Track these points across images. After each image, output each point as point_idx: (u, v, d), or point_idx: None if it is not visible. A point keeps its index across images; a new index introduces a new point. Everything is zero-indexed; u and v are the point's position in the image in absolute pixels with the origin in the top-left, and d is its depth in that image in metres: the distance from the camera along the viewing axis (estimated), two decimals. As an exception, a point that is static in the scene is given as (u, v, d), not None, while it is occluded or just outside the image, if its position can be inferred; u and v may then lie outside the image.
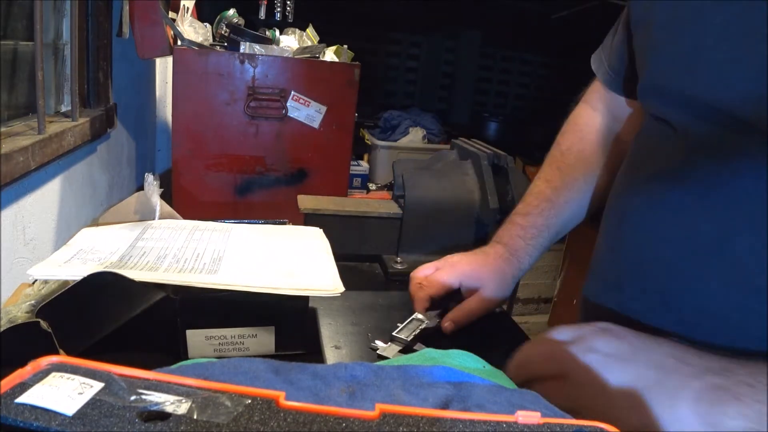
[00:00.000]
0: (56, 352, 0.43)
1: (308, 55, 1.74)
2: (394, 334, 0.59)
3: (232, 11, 1.83)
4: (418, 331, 0.60)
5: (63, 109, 1.29)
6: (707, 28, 0.44)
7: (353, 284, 0.57)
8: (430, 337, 0.63)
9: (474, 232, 0.90)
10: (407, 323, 0.62)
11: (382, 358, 0.57)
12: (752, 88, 0.40)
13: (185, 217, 0.70)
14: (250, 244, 0.63)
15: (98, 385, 0.28)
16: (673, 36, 0.48)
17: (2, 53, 0.98)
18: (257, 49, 1.66)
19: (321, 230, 0.70)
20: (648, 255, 0.47)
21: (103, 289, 0.48)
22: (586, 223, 0.72)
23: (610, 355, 0.38)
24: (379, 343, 0.59)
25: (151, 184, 0.65)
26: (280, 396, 0.30)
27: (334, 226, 0.75)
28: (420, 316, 0.63)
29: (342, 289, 0.53)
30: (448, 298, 0.67)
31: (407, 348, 0.58)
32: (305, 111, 1.70)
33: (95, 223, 0.65)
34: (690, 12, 0.46)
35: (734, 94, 0.42)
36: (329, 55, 1.81)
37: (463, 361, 0.49)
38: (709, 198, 0.43)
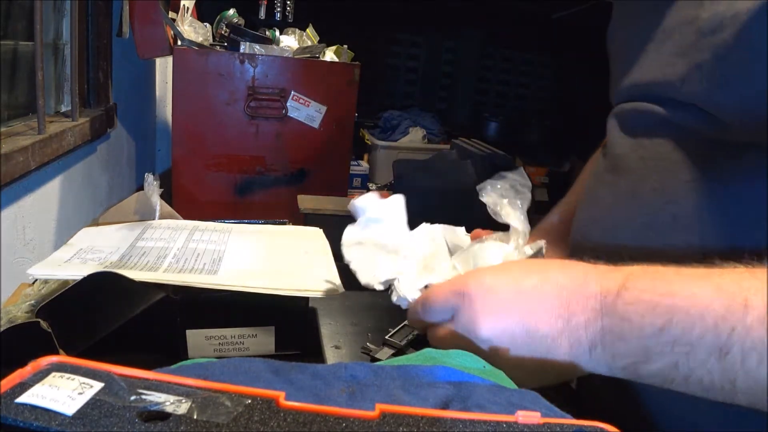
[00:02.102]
0: (56, 352, 0.43)
1: (308, 55, 1.74)
2: (387, 338, 0.59)
3: (232, 11, 1.83)
4: (411, 336, 0.60)
5: (63, 109, 1.29)
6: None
7: (353, 284, 0.57)
8: (426, 340, 0.63)
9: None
10: (400, 328, 0.62)
11: (375, 360, 0.57)
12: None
13: (185, 217, 0.70)
14: (250, 244, 0.63)
15: (98, 385, 0.28)
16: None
17: (2, 53, 0.98)
18: (257, 49, 1.66)
19: (321, 230, 0.70)
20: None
21: (103, 289, 0.48)
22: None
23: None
24: (372, 346, 0.59)
25: (151, 184, 0.65)
26: (280, 396, 0.30)
27: (334, 226, 0.75)
28: None
29: (342, 289, 0.53)
30: None
31: (400, 353, 0.58)
32: (305, 111, 1.70)
33: (95, 223, 0.65)
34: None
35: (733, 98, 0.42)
36: (329, 55, 1.81)
37: (463, 361, 0.49)
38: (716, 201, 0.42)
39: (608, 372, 0.37)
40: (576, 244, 0.54)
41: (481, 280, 0.40)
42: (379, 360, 0.56)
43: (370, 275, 0.50)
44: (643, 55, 0.47)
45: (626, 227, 0.46)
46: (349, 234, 0.52)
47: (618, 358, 0.35)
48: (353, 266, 0.50)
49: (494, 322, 0.39)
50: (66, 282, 0.49)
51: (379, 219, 0.53)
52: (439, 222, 0.68)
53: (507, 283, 0.39)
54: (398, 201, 0.54)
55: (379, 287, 0.51)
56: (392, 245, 0.53)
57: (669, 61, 0.44)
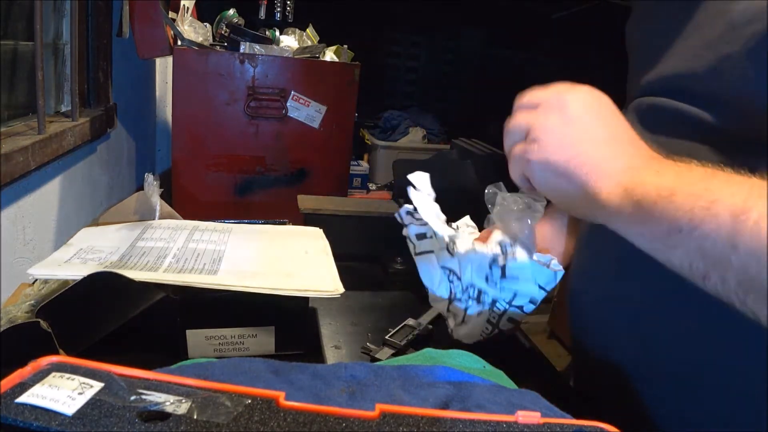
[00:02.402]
0: (56, 352, 0.43)
1: (308, 55, 1.74)
2: (387, 338, 0.59)
3: (232, 11, 1.83)
4: (411, 336, 0.60)
5: (63, 109, 1.29)
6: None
7: (353, 284, 0.57)
8: (428, 339, 0.63)
9: (474, 232, 0.90)
10: (399, 328, 0.62)
11: (375, 360, 0.57)
12: None
13: (185, 217, 0.70)
14: (250, 245, 0.63)
15: (98, 385, 0.28)
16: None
17: (2, 53, 0.98)
18: (257, 49, 1.66)
19: (321, 230, 0.70)
20: None
21: (103, 289, 0.48)
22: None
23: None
24: (372, 346, 0.59)
25: (151, 184, 0.65)
26: (280, 396, 0.30)
27: (334, 226, 0.75)
28: (412, 322, 0.63)
29: (342, 289, 0.53)
30: None
31: (400, 353, 0.58)
32: (305, 111, 1.70)
33: (95, 223, 0.65)
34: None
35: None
36: (329, 55, 1.81)
37: (463, 361, 0.49)
38: None
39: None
40: (581, 247, 0.55)
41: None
42: (379, 360, 0.56)
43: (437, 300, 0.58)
44: (669, 50, 0.47)
45: None
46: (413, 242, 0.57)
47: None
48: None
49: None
50: (66, 282, 0.49)
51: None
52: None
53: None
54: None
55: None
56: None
57: (696, 54, 0.44)
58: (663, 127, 0.47)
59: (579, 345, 0.59)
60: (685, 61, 0.45)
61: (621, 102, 0.57)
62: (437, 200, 0.56)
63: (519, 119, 0.44)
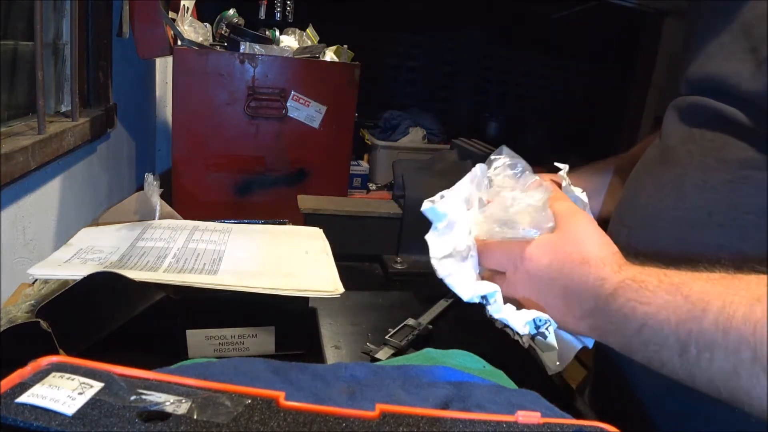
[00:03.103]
0: (56, 352, 0.43)
1: (308, 55, 1.74)
2: (387, 338, 0.59)
3: (232, 11, 1.83)
4: (411, 336, 0.60)
5: (63, 109, 1.29)
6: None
7: (353, 284, 0.57)
8: (428, 339, 0.63)
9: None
10: (399, 328, 0.62)
11: (375, 360, 0.57)
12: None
13: (185, 217, 0.70)
14: (249, 245, 0.63)
15: (98, 385, 0.28)
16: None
17: (2, 53, 0.98)
18: (257, 49, 1.66)
19: (321, 230, 0.70)
20: None
21: (103, 289, 0.48)
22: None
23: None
24: (372, 346, 0.59)
25: (151, 184, 0.65)
26: (280, 396, 0.30)
27: (334, 226, 0.75)
28: (412, 322, 0.63)
29: (342, 289, 0.52)
30: None
31: (400, 353, 0.58)
32: (305, 111, 1.70)
33: (95, 223, 0.65)
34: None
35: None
36: (329, 55, 1.81)
37: (463, 361, 0.49)
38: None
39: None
40: (615, 222, 0.54)
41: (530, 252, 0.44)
42: (379, 360, 0.56)
43: (470, 290, 0.47)
44: (714, 48, 0.47)
45: (664, 218, 0.47)
46: (434, 245, 0.49)
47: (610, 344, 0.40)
48: (448, 281, 0.47)
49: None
50: (66, 282, 0.49)
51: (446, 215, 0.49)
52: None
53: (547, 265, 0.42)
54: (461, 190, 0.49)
55: (480, 300, 0.48)
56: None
57: (740, 57, 0.43)
58: (698, 125, 0.47)
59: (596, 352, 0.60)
60: (729, 63, 0.45)
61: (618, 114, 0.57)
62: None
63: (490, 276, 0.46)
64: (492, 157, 0.48)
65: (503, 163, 0.47)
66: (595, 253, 0.40)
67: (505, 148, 0.48)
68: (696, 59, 0.49)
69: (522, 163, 0.47)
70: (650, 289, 0.36)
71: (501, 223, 0.45)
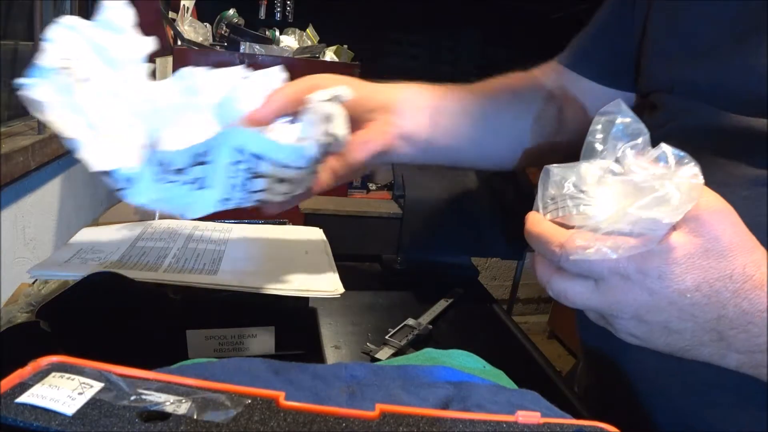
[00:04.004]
0: (56, 352, 0.43)
1: (308, 55, 1.74)
2: (387, 338, 0.59)
3: (232, 11, 1.83)
4: (411, 336, 0.60)
5: (63, 109, 1.29)
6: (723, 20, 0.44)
7: (353, 284, 0.57)
8: (428, 339, 0.63)
9: (474, 232, 0.90)
10: (399, 328, 0.62)
11: (375, 360, 0.57)
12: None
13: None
14: (249, 245, 0.63)
15: (98, 385, 0.28)
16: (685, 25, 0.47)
17: (2, 53, 0.98)
18: (257, 49, 1.66)
19: (321, 230, 0.70)
20: None
21: (103, 289, 0.48)
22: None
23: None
24: (372, 346, 0.59)
25: (151, 184, 0.65)
26: (280, 396, 0.30)
27: (334, 226, 0.75)
28: (412, 322, 0.63)
29: (342, 290, 0.53)
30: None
31: (400, 353, 0.58)
32: (305, 111, 1.70)
33: (95, 223, 0.65)
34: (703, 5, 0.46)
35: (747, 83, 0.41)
36: (329, 55, 1.81)
37: (463, 361, 0.49)
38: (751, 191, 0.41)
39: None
40: None
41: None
42: (379, 360, 0.56)
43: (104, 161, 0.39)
44: (725, 50, 0.44)
45: None
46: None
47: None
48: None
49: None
50: (66, 282, 0.49)
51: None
52: (439, 222, 0.66)
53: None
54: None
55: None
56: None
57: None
58: (713, 136, 0.45)
59: (586, 346, 0.59)
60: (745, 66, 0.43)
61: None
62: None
63: (567, 289, 0.34)
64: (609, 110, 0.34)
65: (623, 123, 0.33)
66: (763, 271, 0.31)
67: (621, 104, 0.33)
68: (690, 61, 0.47)
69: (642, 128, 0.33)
70: None
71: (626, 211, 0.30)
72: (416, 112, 0.56)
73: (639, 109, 0.56)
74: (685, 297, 0.31)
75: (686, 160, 0.30)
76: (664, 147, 0.31)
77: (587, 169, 0.33)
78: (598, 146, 0.33)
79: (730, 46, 0.44)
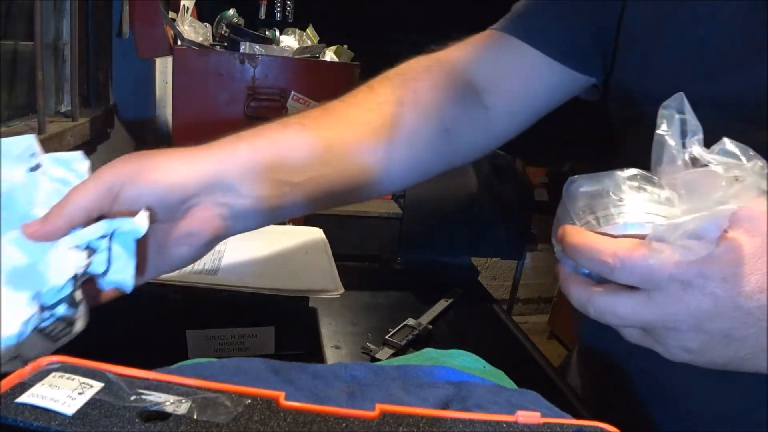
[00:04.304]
0: (56, 352, 0.43)
1: (308, 55, 1.74)
2: (387, 338, 0.59)
3: (232, 11, 1.83)
4: (411, 336, 0.60)
5: (63, 109, 1.29)
6: (708, 25, 0.44)
7: (353, 284, 0.57)
8: (428, 339, 0.63)
9: (474, 232, 0.90)
10: (399, 328, 0.62)
11: (375, 360, 0.57)
12: (759, 82, 0.40)
13: (185, 217, 0.70)
14: (249, 245, 0.63)
15: (98, 385, 0.28)
16: (671, 35, 0.47)
17: (2, 53, 0.98)
18: (257, 49, 1.66)
19: (321, 230, 0.70)
20: None
21: (103, 289, 0.48)
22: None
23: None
24: (372, 346, 0.59)
25: (151, 184, 0.65)
26: (280, 396, 0.30)
27: (334, 226, 0.75)
28: (412, 322, 0.63)
29: (342, 289, 0.53)
30: None
31: (400, 353, 0.58)
32: (305, 111, 1.70)
33: (95, 223, 0.65)
34: (686, 10, 0.45)
35: (740, 89, 0.41)
36: (329, 55, 1.81)
37: (463, 361, 0.49)
38: None
39: None
40: None
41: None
42: (379, 360, 0.56)
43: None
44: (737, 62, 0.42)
45: None
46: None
47: None
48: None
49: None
50: (66, 282, 0.49)
51: None
52: (439, 222, 0.66)
53: None
54: None
55: None
56: None
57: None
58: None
59: (586, 346, 0.59)
60: (676, 68, 0.43)
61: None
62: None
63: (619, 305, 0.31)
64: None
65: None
66: None
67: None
68: (692, 73, 0.45)
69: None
70: None
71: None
72: (246, 181, 0.44)
73: (605, 101, 0.54)
74: (752, 300, 0.28)
75: (751, 152, 0.30)
76: (727, 142, 0.30)
77: (619, 177, 0.32)
78: (669, 140, 0.32)
79: (731, 59, 0.43)
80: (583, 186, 0.34)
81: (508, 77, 0.57)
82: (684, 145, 0.31)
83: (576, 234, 0.32)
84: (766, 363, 0.31)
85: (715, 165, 0.30)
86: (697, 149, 0.31)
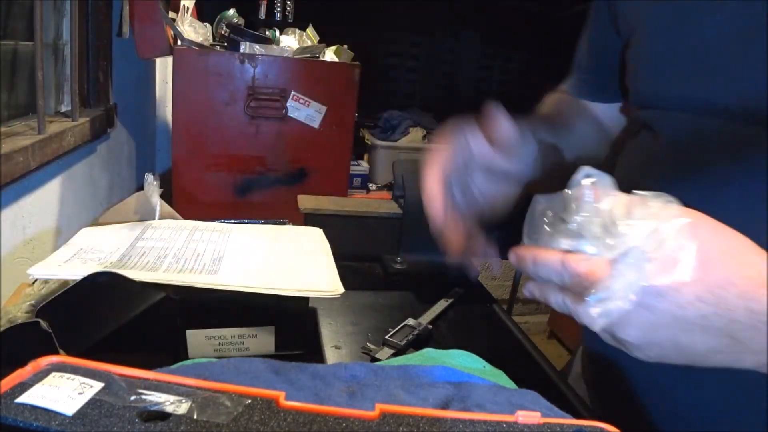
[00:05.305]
0: (56, 352, 0.43)
1: (308, 55, 1.74)
2: (387, 338, 0.59)
3: (232, 11, 1.83)
4: (411, 336, 0.60)
5: (63, 109, 1.29)
6: (706, 28, 0.44)
7: (353, 284, 0.57)
8: (428, 339, 0.63)
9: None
10: (399, 328, 0.62)
11: (375, 360, 0.57)
12: (756, 87, 0.40)
13: (185, 217, 0.70)
14: (250, 244, 0.63)
15: (98, 385, 0.28)
16: (669, 40, 0.47)
17: (2, 53, 0.98)
18: (257, 49, 1.66)
19: (321, 230, 0.70)
20: None
21: (103, 289, 0.48)
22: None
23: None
24: (372, 346, 0.59)
25: (151, 184, 0.65)
26: (280, 396, 0.30)
27: (334, 226, 0.75)
28: (412, 322, 0.63)
29: (342, 290, 0.53)
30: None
31: (400, 353, 0.58)
32: (305, 111, 1.70)
33: (95, 223, 0.65)
34: (686, 14, 0.45)
35: (738, 94, 0.41)
36: (329, 55, 1.81)
37: (463, 361, 0.49)
38: (718, 198, 0.42)
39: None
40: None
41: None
42: (379, 360, 0.56)
43: None
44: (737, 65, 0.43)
45: None
46: None
47: None
48: None
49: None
50: (66, 282, 0.49)
51: None
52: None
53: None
54: None
55: None
56: None
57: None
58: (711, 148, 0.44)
59: (587, 346, 0.59)
60: (674, 73, 0.44)
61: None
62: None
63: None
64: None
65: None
66: (761, 269, 0.30)
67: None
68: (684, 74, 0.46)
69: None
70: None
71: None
72: None
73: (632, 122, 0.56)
74: (687, 309, 0.30)
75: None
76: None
77: (569, 196, 0.34)
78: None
79: (726, 59, 0.44)
80: (541, 204, 0.36)
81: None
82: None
83: (530, 252, 0.35)
84: (721, 361, 0.32)
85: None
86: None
